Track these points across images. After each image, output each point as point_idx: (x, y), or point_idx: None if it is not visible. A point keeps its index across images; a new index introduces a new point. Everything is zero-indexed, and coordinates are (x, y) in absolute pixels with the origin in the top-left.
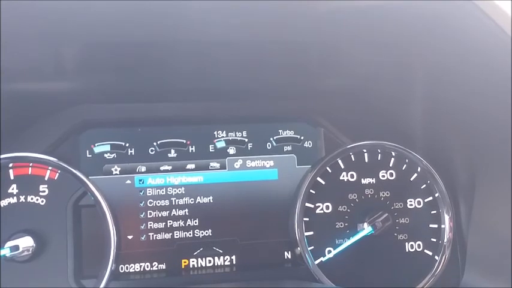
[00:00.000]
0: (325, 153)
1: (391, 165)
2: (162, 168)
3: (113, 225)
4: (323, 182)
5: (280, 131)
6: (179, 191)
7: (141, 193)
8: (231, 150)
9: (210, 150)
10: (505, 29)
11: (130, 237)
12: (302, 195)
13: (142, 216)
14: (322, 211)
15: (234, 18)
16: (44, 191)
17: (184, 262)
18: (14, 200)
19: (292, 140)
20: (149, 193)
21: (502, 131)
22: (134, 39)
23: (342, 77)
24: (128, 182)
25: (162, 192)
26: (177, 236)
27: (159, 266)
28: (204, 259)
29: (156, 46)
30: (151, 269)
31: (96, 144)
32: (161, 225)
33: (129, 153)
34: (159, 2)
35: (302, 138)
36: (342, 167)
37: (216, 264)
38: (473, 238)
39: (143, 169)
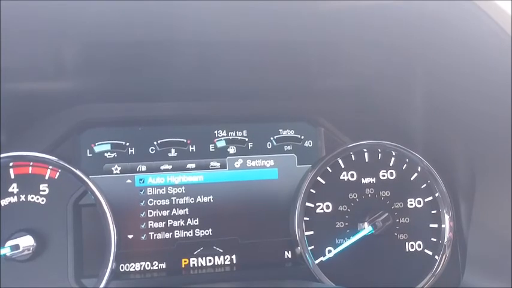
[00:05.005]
0: (326, 152)
1: (391, 164)
2: (162, 167)
3: (113, 225)
4: (323, 182)
5: (280, 130)
6: (179, 190)
7: (142, 192)
8: (232, 150)
9: (211, 149)
10: (505, 29)
11: (130, 236)
12: (302, 194)
13: (142, 215)
14: (322, 211)
15: (234, 18)
16: (44, 190)
17: (185, 261)
18: (14, 199)
19: (293, 139)
20: (149, 192)
21: (502, 131)
22: (134, 38)
23: (342, 76)
24: (128, 181)
25: (163, 191)
26: (177, 235)
27: (160, 265)
28: (204, 258)
29: (157, 46)
30: (152, 268)
31: (96, 144)
32: (161, 224)
33: (129, 153)
34: (159, 2)
35: (302, 137)
36: (342, 166)
37: (216, 263)
38: (473, 238)
39: (143, 168)
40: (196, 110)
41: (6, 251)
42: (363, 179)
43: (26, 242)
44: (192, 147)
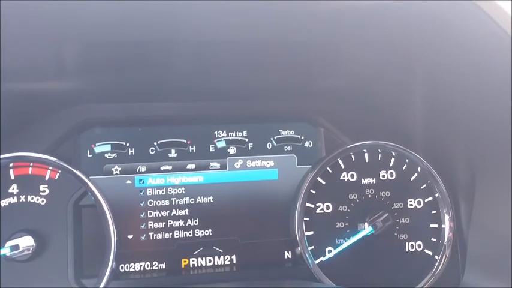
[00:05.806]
0: (326, 153)
1: (391, 165)
2: (162, 168)
3: (113, 225)
4: (323, 182)
5: (280, 130)
6: (179, 191)
7: (142, 193)
8: (232, 150)
9: (211, 150)
10: (505, 29)
11: (130, 236)
12: (302, 195)
13: (142, 216)
14: (322, 211)
15: (234, 18)
16: (44, 191)
17: (185, 262)
18: (14, 200)
19: (293, 139)
20: (149, 193)
21: (502, 131)
22: (135, 38)
23: (342, 76)
24: (128, 182)
25: (163, 192)
26: (177, 235)
27: (160, 265)
28: (204, 259)
29: (157, 46)
30: (152, 268)
31: (96, 144)
32: (161, 225)
33: (129, 153)
34: (159, 2)
35: (302, 138)
36: (342, 167)
37: (216, 263)
38: (473, 238)
39: (143, 169)
40: (196, 110)
41: (6, 251)
42: (363, 179)
43: (26, 242)
44: (192, 147)
